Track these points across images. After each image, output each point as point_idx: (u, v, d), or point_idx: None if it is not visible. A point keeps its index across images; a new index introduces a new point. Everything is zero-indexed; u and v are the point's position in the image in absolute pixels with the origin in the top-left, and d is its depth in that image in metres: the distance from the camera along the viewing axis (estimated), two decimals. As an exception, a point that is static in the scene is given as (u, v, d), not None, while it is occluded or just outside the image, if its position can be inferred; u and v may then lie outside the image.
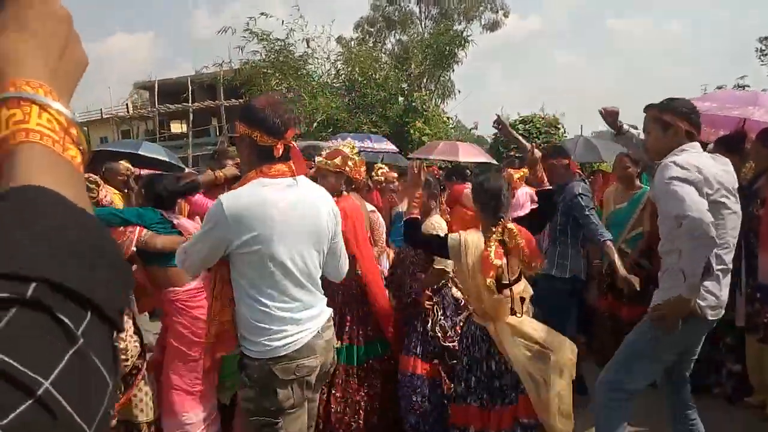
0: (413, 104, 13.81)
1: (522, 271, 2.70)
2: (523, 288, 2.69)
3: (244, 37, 13.69)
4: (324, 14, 72.41)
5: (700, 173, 2.12)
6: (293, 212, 1.88)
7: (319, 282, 2.03)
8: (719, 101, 3.53)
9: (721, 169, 2.28)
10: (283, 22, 13.94)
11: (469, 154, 7.97)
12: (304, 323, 1.90)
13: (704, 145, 4.06)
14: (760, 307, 3.19)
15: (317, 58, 14.75)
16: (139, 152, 6.58)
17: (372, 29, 26.74)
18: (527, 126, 11.20)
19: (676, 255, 2.17)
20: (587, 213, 3.46)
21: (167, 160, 6.77)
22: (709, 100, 3.60)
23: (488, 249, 2.51)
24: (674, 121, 2.28)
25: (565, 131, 12.04)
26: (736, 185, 2.35)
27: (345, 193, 3.17)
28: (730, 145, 3.45)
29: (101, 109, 33.40)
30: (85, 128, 35.98)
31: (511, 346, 2.55)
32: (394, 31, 26.98)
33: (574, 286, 3.68)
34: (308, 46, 14.39)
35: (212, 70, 17.89)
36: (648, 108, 2.40)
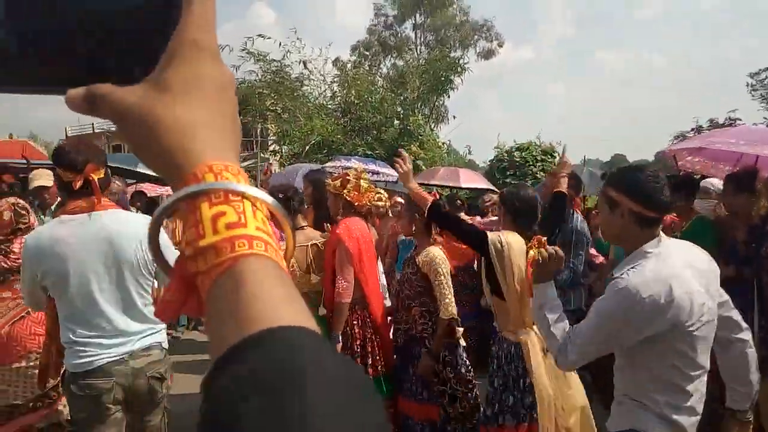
0: (408, 128, 13.81)
1: None
2: None
3: (241, 56, 13.69)
4: (321, 37, 73.31)
5: (680, 304, 1.56)
6: (84, 248, 2.01)
7: (144, 310, 2.13)
8: (746, 138, 3.45)
9: (703, 269, 1.72)
10: (280, 44, 13.97)
11: (470, 180, 7.92)
12: (106, 348, 2.04)
13: (698, 180, 4.01)
14: (775, 351, 3.07)
15: (313, 80, 14.77)
16: (138, 169, 6.54)
17: (368, 53, 26.98)
18: (524, 153, 11.18)
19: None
20: (580, 252, 3.51)
21: (138, 170, 6.75)
22: (721, 136, 3.53)
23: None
24: (620, 200, 1.70)
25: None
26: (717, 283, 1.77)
27: (341, 217, 3.13)
28: (742, 182, 3.37)
29: (93, 124, 33.14)
30: (76, 142, 35.74)
31: (536, 356, 2.45)
32: (389, 56, 27.25)
33: (577, 319, 3.54)
34: (305, 68, 14.42)
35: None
36: (602, 177, 1.97)
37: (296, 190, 2.99)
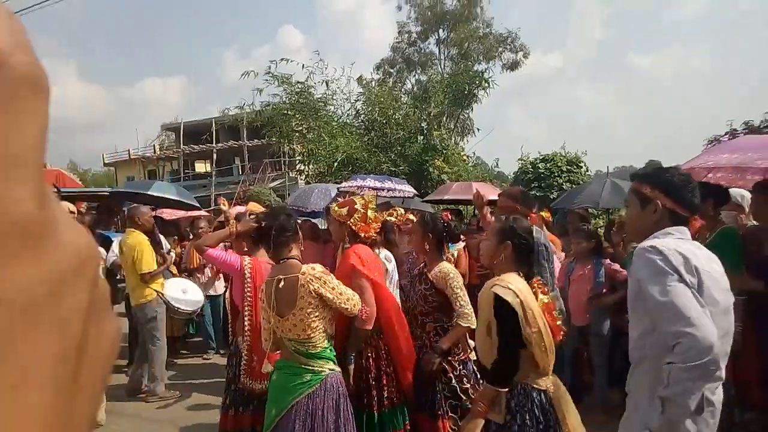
0: (432, 143, 13.76)
1: None
2: None
3: (266, 80, 13.94)
4: (346, 56, 74.44)
5: (687, 263, 1.61)
6: None
7: None
8: (752, 149, 3.25)
9: (710, 266, 1.71)
10: (303, 66, 14.18)
11: (485, 193, 7.78)
12: None
13: (726, 190, 3.79)
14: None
15: (336, 100, 14.91)
16: (149, 192, 6.66)
17: (392, 70, 27.18)
18: (548, 164, 10.95)
19: (649, 366, 1.66)
20: (542, 262, 3.32)
21: (178, 199, 6.87)
22: (739, 149, 3.33)
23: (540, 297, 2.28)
24: (654, 195, 1.75)
25: (587, 169, 11.77)
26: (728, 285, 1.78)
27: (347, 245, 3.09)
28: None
29: (129, 150, 34.28)
30: (113, 168, 37.01)
31: (567, 404, 2.28)
32: (414, 71, 27.37)
33: None
34: (327, 88, 14.57)
35: (235, 112, 18.32)
36: (632, 178, 1.92)
37: (287, 218, 2.68)
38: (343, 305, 2.47)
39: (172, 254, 5.87)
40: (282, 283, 2.44)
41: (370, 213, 3.05)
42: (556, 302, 3.70)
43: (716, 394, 1.61)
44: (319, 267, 2.50)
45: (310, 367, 2.46)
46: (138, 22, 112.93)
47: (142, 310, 5.04)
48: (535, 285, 2.30)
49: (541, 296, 2.25)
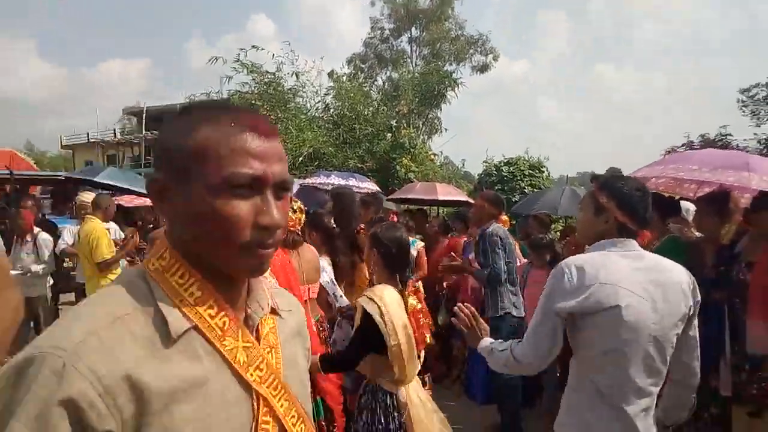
0: (401, 141, 13.79)
1: None
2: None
3: (234, 68, 13.68)
4: (318, 49, 73.74)
5: (584, 286, 1.65)
6: None
7: None
8: (708, 164, 3.39)
9: (646, 278, 1.71)
10: (273, 55, 13.98)
11: (447, 193, 7.96)
12: None
13: (677, 201, 3.99)
14: (747, 377, 3.01)
15: (306, 92, 14.77)
16: (98, 180, 6.54)
17: (363, 65, 27.12)
18: (512, 168, 11.16)
19: None
20: (496, 250, 3.78)
21: (128, 187, 6.79)
22: (698, 162, 3.46)
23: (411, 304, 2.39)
24: (609, 207, 1.77)
25: (549, 174, 12.05)
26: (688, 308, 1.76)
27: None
28: (713, 204, 3.34)
29: (87, 133, 33.13)
30: (70, 151, 35.65)
31: (419, 409, 2.34)
32: (385, 69, 27.37)
33: (511, 326, 3.82)
34: (297, 79, 14.41)
35: (201, 99, 17.93)
36: (592, 179, 1.93)
37: None
38: None
39: (136, 238, 5.69)
40: None
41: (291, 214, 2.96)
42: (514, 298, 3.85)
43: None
44: (273, 280, 2.44)
45: None
46: (103, 1, 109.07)
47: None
48: (410, 289, 2.38)
49: (411, 301, 2.33)
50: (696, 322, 1.84)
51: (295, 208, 3.04)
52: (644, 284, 1.69)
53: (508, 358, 1.81)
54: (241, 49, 13.68)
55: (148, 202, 7.17)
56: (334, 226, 3.64)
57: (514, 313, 3.90)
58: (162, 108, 30.66)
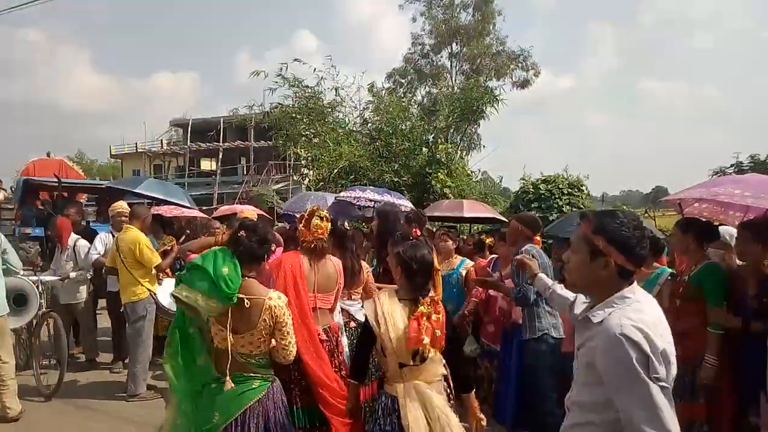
0: (437, 156, 13.77)
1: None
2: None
3: (276, 81, 14.02)
4: (359, 64, 74.84)
5: (656, 349, 1.50)
6: None
7: None
8: (756, 188, 3.25)
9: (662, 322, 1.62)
10: (315, 69, 14.26)
11: (474, 210, 7.86)
12: None
13: (716, 227, 3.81)
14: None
15: (345, 107, 14.97)
16: (137, 191, 6.80)
17: (403, 80, 27.31)
18: (549, 186, 10.95)
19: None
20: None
21: (164, 198, 7.04)
22: (745, 187, 3.32)
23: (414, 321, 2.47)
24: (608, 251, 1.63)
25: (588, 193, 11.74)
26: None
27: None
28: (757, 231, 3.20)
29: (136, 144, 34.49)
30: (120, 161, 37.20)
31: (413, 411, 2.41)
32: (424, 83, 27.49)
33: (550, 348, 3.82)
34: (337, 94, 14.64)
35: (244, 112, 18.40)
36: (581, 217, 1.78)
37: (263, 236, 2.65)
38: (281, 349, 2.57)
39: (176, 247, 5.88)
40: (248, 303, 2.47)
41: (314, 220, 3.18)
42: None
43: None
44: (284, 299, 2.60)
45: (259, 375, 2.58)
46: (154, 15, 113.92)
47: (134, 308, 5.07)
48: (426, 300, 2.52)
49: (422, 308, 2.48)
50: None
51: (322, 216, 3.24)
52: (665, 331, 1.60)
53: None
54: (283, 63, 14.03)
55: (186, 213, 7.38)
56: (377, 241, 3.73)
57: (553, 334, 3.85)
58: (206, 120, 31.69)
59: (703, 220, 3.79)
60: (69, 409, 4.84)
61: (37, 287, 5.27)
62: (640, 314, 1.56)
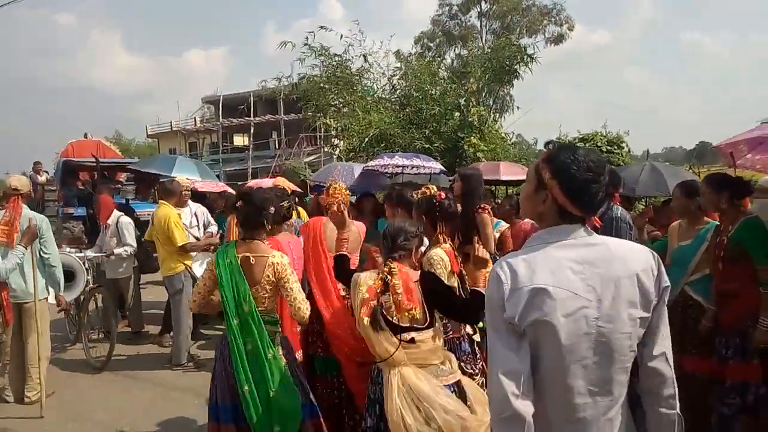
0: (470, 120, 13.44)
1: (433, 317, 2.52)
2: (431, 335, 2.50)
3: (303, 52, 13.85)
4: (386, 28, 73.45)
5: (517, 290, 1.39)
6: None
7: None
8: None
9: (592, 272, 1.42)
10: (341, 36, 14.02)
11: (511, 173, 7.65)
12: None
13: (747, 181, 3.49)
14: None
15: (373, 73, 14.71)
16: (172, 175, 6.95)
17: (432, 44, 26.66)
18: (588, 144, 10.56)
19: None
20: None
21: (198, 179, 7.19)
22: None
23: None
24: (550, 185, 1.47)
25: (629, 150, 11.26)
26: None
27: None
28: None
29: (171, 122, 35.06)
30: (156, 140, 37.98)
31: (390, 381, 2.37)
32: (454, 46, 26.76)
33: None
34: (366, 61, 14.37)
35: (273, 85, 18.34)
36: (545, 145, 1.62)
37: (263, 203, 2.89)
38: (291, 306, 2.81)
39: (213, 229, 5.99)
40: (253, 260, 2.77)
41: (333, 185, 3.42)
42: None
43: None
44: (286, 258, 2.88)
45: (272, 336, 2.82)
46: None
47: (171, 282, 5.20)
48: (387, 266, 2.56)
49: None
50: (664, 311, 1.48)
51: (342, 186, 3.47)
52: (588, 280, 1.40)
53: None
54: (309, 31, 13.84)
55: (217, 188, 7.47)
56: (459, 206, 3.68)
57: None
58: (236, 95, 31.84)
59: (731, 176, 3.51)
60: (116, 379, 5.05)
61: (84, 264, 5.46)
62: (532, 256, 1.43)
